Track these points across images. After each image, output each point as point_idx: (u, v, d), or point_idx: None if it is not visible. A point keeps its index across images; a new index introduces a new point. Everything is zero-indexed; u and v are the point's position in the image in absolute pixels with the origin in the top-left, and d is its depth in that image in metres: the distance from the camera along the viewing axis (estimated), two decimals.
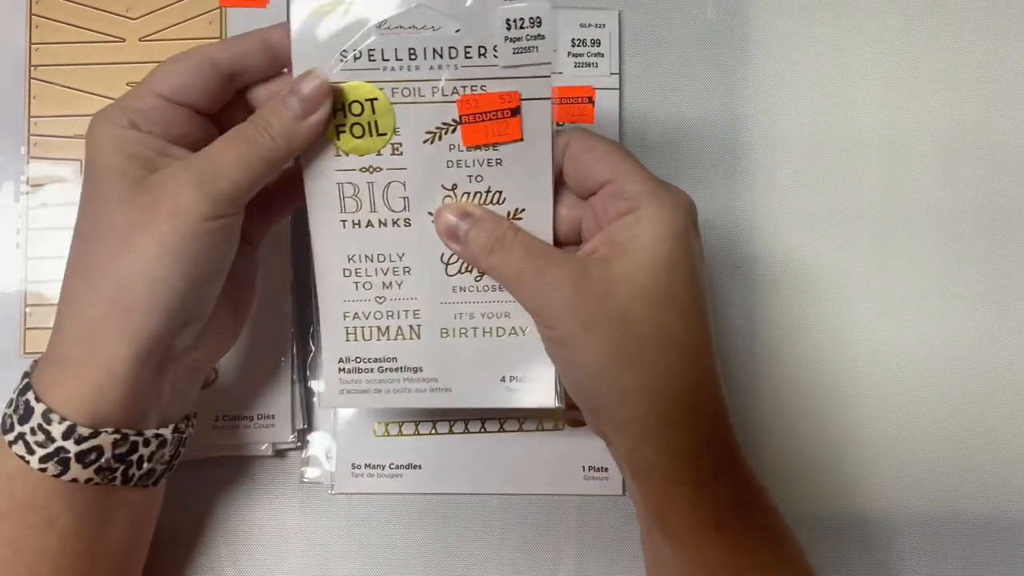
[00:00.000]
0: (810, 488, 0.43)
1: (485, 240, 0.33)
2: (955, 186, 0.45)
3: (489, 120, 0.33)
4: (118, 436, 0.31)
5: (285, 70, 0.33)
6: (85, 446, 0.31)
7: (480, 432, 0.43)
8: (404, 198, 0.34)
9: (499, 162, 0.33)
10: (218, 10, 0.43)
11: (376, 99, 0.32)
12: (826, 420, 0.44)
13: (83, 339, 0.31)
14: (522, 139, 0.33)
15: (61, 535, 0.32)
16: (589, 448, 0.43)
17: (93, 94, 0.43)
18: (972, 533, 0.43)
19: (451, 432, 0.43)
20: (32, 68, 0.43)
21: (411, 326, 0.35)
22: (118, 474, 0.32)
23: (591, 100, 0.44)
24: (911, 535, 0.43)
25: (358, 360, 0.36)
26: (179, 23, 0.43)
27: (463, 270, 0.35)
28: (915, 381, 0.44)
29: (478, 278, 0.35)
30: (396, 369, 0.36)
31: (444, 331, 0.35)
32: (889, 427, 0.44)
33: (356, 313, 0.35)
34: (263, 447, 0.42)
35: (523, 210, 0.34)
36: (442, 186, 0.34)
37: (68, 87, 0.43)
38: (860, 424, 0.44)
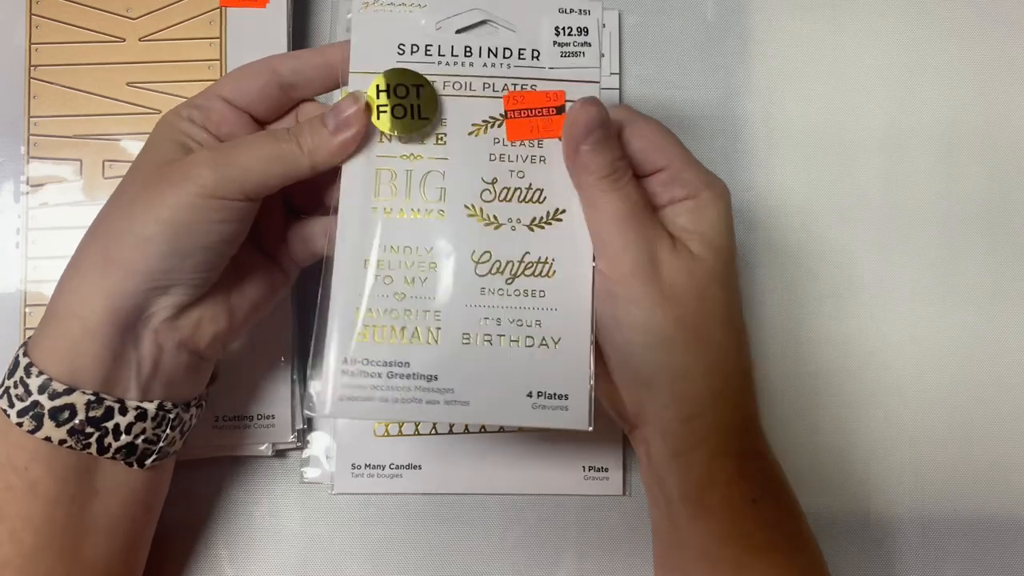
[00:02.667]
0: (809, 488, 0.43)
1: (610, 161, 0.32)
2: (955, 184, 0.45)
3: (535, 116, 0.33)
4: (92, 397, 0.32)
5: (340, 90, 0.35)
6: (58, 402, 0.31)
7: (480, 432, 0.43)
8: (441, 188, 0.33)
9: (542, 159, 0.34)
10: (218, 10, 0.43)
11: (423, 86, 0.33)
12: (824, 419, 0.44)
13: (69, 291, 0.32)
14: None
15: (43, 502, 0.32)
16: (589, 448, 0.43)
17: (93, 94, 0.43)
18: (972, 533, 0.43)
19: (451, 432, 0.43)
20: (32, 68, 0.43)
21: (430, 328, 0.32)
22: (93, 440, 0.32)
23: None
24: (911, 535, 0.43)
25: (365, 362, 0.32)
26: (179, 23, 0.43)
27: (494, 271, 0.33)
28: (915, 380, 0.44)
29: (510, 280, 0.33)
30: (408, 376, 0.32)
31: (466, 336, 0.32)
32: (888, 426, 0.44)
33: (371, 309, 0.32)
34: (263, 447, 0.42)
35: (563, 211, 0.33)
36: (482, 179, 0.33)
37: (68, 87, 0.43)
38: (859, 423, 0.44)
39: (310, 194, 0.37)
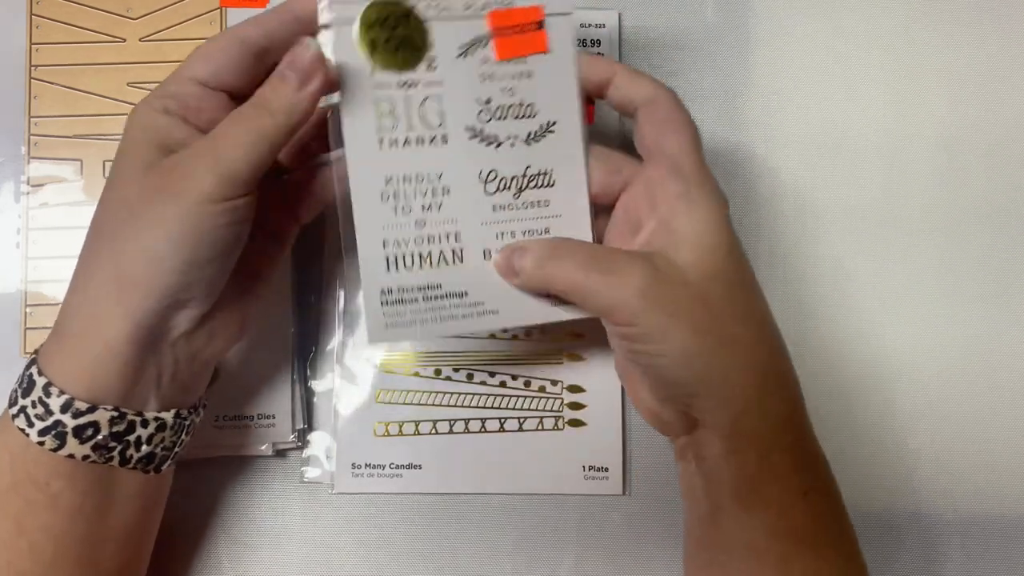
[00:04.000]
0: None
1: (536, 256, 0.34)
2: (957, 186, 0.45)
3: (519, 33, 0.35)
4: (115, 414, 0.32)
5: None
6: (82, 420, 0.31)
7: (480, 432, 0.43)
8: (440, 112, 0.34)
9: (529, 75, 0.35)
10: (218, 10, 0.43)
11: (409, 14, 0.34)
12: (824, 420, 0.44)
13: (83, 314, 0.32)
14: (548, 51, 0.35)
15: (64, 514, 0.32)
16: (589, 448, 0.43)
17: (93, 94, 0.43)
18: (972, 533, 0.43)
19: (451, 432, 0.43)
20: (32, 68, 0.43)
21: (453, 250, 0.35)
22: (116, 454, 0.32)
23: (592, 101, 0.44)
24: (911, 535, 0.43)
25: (401, 291, 0.34)
26: (179, 23, 0.43)
27: (502, 188, 0.35)
28: (915, 380, 0.44)
29: (517, 195, 0.35)
30: (441, 296, 0.35)
31: (487, 252, 0.35)
32: (889, 427, 0.44)
33: (396, 240, 0.34)
34: (263, 447, 0.42)
35: (554, 123, 0.35)
36: (476, 100, 0.34)
37: (68, 87, 0.43)
38: (859, 424, 0.44)
39: (291, 150, 0.36)
